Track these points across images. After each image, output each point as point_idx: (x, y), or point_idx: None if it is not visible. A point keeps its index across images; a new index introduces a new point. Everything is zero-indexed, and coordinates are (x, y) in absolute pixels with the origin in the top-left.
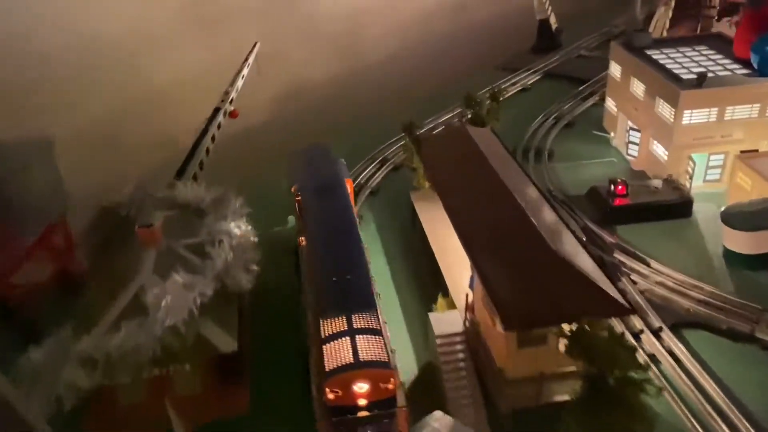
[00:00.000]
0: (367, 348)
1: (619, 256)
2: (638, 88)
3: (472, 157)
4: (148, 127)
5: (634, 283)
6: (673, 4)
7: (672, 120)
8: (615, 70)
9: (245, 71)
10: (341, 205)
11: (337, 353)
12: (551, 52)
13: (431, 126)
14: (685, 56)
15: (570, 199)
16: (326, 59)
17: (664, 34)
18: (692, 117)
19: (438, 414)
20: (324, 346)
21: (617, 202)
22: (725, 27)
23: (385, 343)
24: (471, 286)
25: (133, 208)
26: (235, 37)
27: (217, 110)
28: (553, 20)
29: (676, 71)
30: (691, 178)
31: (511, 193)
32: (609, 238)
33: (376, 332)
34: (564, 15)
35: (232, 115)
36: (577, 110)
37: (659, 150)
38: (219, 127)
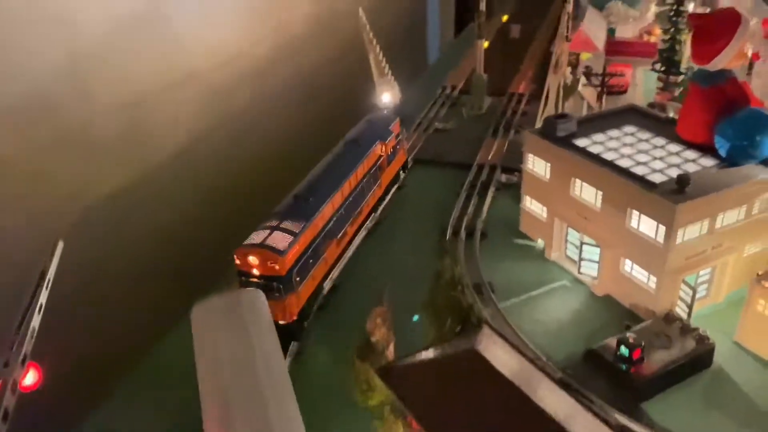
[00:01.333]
0: (275, 238)
1: None
2: (588, 194)
3: (510, 403)
4: None
5: None
6: (567, 69)
7: (662, 241)
8: (537, 166)
9: (42, 298)
10: (350, 155)
11: (254, 237)
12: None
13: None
14: (623, 143)
15: (562, 369)
16: (107, 172)
17: (560, 107)
18: (686, 234)
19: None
20: (252, 233)
21: (636, 370)
22: (591, 95)
23: (294, 242)
24: None
25: None
26: None
27: None
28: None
29: (633, 169)
30: (690, 307)
31: None
32: None
33: (293, 233)
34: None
35: (25, 389)
36: (480, 212)
37: (639, 275)
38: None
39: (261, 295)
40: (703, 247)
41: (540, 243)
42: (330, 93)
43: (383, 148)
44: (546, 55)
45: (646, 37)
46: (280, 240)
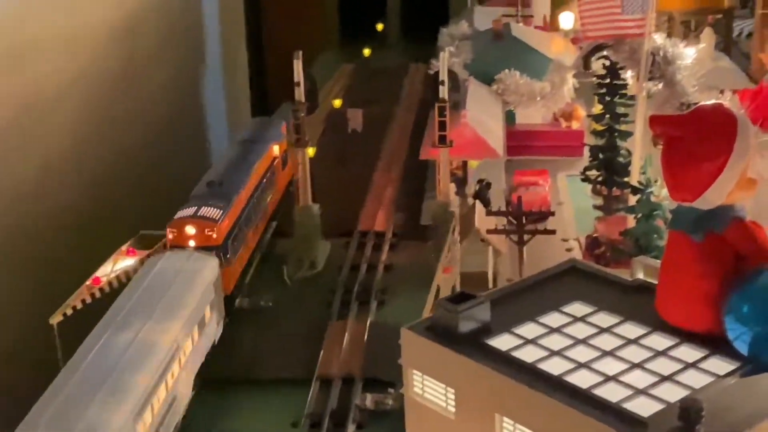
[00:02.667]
0: (206, 211)
1: None
2: None
3: None
4: None
5: None
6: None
7: None
8: (430, 392)
9: None
10: (249, 153)
11: (185, 212)
12: None
13: None
14: (573, 339)
15: None
16: None
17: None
18: None
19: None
20: (178, 211)
21: None
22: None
23: (224, 214)
24: None
25: None
26: None
27: None
28: None
29: (598, 391)
30: None
31: None
32: None
33: (221, 208)
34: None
35: None
36: None
37: None
38: None
39: (212, 261)
40: None
41: None
42: None
43: (278, 150)
44: (411, 158)
45: (564, 124)
46: (211, 212)
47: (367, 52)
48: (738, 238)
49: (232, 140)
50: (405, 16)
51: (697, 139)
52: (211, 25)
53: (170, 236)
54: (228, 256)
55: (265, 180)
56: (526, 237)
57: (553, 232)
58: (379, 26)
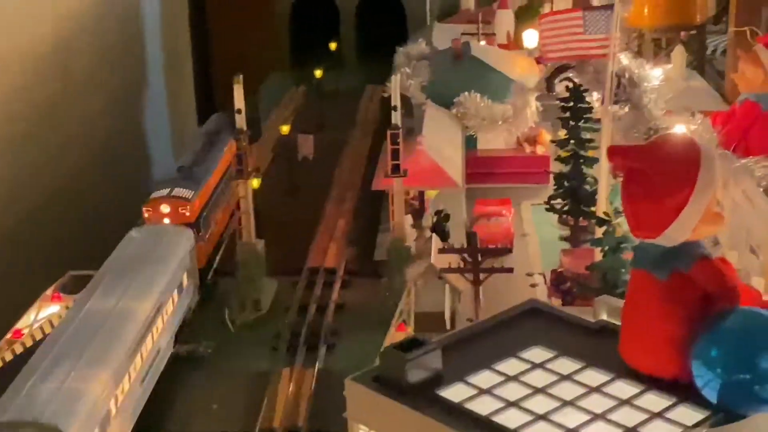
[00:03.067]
0: (179, 191)
1: None
2: None
3: None
4: None
5: None
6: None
7: None
8: None
9: None
10: (215, 141)
11: (157, 192)
12: None
13: None
14: (532, 388)
15: None
16: None
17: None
18: None
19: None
20: (152, 193)
21: None
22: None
23: (196, 194)
24: None
25: None
26: None
27: None
28: None
29: None
30: None
31: None
32: None
33: (193, 188)
34: None
35: None
36: None
37: None
38: None
39: (188, 233)
40: None
41: None
42: None
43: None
44: (366, 187)
45: (528, 149)
46: (184, 192)
47: (319, 73)
48: (705, 277)
49: (198, 132)
50: (361, 34)
51: (658, 172)
52: (154, 43)
53: (146, 215)
54: (201, 232)
55: (230, 169)
56: (482, 275)
57: (510, 270)
58: (333, 45)
